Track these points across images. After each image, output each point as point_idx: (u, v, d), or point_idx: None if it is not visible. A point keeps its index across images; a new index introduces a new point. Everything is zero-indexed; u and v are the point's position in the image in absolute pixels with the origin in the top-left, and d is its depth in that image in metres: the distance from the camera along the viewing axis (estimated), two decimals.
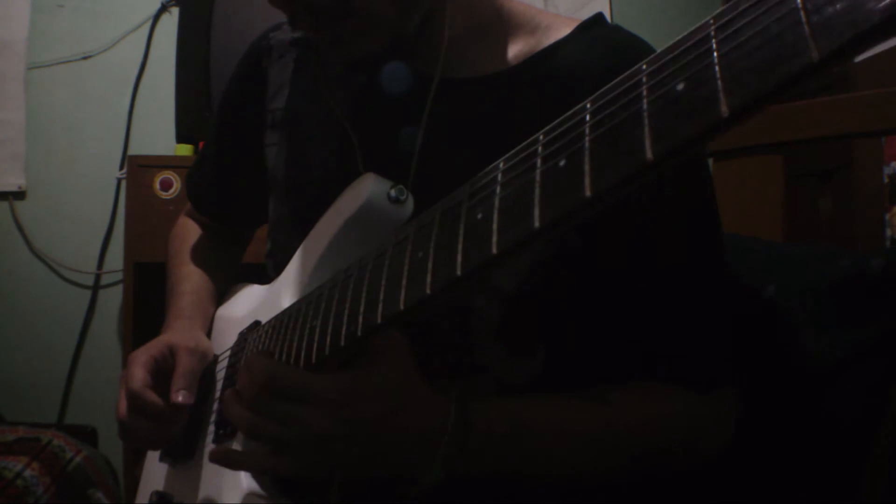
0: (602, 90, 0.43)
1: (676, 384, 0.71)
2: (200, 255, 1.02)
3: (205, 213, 1.05)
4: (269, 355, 0.67)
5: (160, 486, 0.89)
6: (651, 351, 0.71)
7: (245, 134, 0.92)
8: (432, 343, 0.73)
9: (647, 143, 0.37)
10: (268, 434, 0.62)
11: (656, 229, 0.71)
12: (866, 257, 0.78)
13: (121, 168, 2.26)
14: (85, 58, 2.29)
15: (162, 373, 0.82)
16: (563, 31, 0.78)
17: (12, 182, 2.24)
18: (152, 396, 0.79)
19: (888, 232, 1.73)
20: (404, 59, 0.77)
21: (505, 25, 0.79)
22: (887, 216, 1.73)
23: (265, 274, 0.91)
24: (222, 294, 0.99)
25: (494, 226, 0.46)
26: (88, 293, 2.28)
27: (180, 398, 0.79)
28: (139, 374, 0.80)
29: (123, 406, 0.80)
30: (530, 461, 0.68)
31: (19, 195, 2.25)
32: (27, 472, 1.58)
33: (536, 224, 0.43)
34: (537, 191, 0.44)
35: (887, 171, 1.74)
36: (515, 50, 0.78)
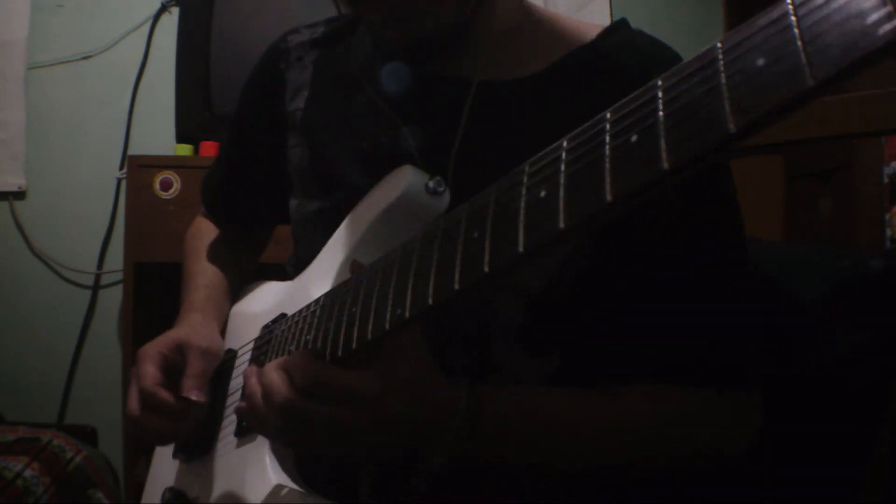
0: (673, 70, 0.44)
1: (695, 383, 0.71)
2: (216, 253, 1.02)
3: (221, 221, 1.06)
4: (316, 356, 0.66)
5: (172, 483, 0.88)
6: (670, 350, 0.71)
7: (264, 138, 0.92)
8: (449, 340, 0.73)
9: (728, 115, 0.38)
10: (297, 435, 0.64)
11: (679, 230, 0.72)
12: (866, 258, 0.78)
13: (121, 168, 2.26)
14: (85, 58, 2.29)
15: (173, 370, 0.82)
16: (588, 35, 0.80)
17: (12, 182, 2.24)
18: (165, 395, 0.79)
19: (888, 232, 1.73)
20: (445, 59, 0.79)
21: (531, 31, 0.81)
22: (887, 216, 1.73)
23: (283, 275, 0.91)
24: (237, 292, 0.99)
25: (561, 202, 0.46)
26: (88, 293, 2.27)
27: (193, 396, 0.79)
28: (150, 371, 0.80)
29: (134, 403, 0.80)
30: (538, 449, 0.69)
31: (19, 195, 2.25)
32: (27, 472, 1.58)
33: (608, 198, 0.43)
34: (608, 166, 0.44)
35: (887, 171, 1.74)
36: (542, 55, 0.79)
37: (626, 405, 0.70)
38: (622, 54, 0.76)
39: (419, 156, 0.75)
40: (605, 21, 1.66)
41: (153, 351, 0.82)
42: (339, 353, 0.63)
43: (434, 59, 0.79)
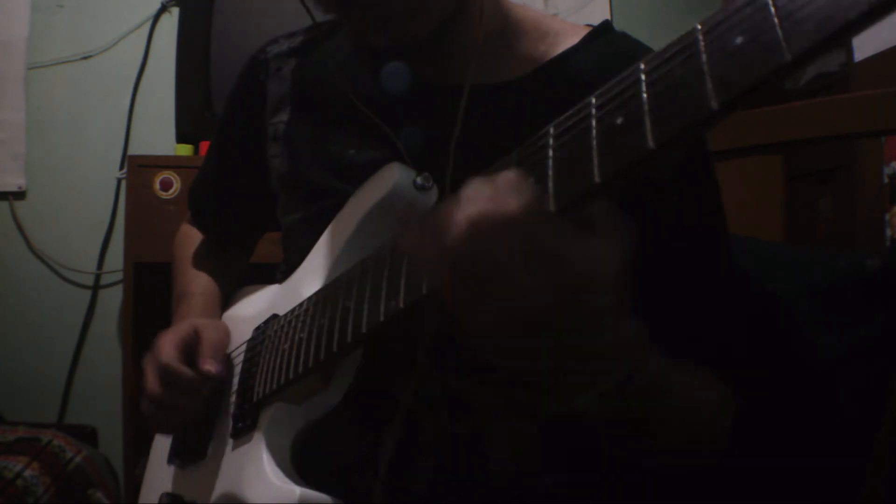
0: (655, 52, 0.45)
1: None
2: (205, 261, 1.03)
3: (208, 231, 1.06)
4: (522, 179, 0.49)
5: (168, 489, 0.88)
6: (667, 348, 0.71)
7: (247, 149, 0.93)
8: (447, 337, 0.72)
9: (711, 92, 0.40)
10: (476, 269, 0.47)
11: (664, 232, 0.71)
12: (863, 257, 0.78)
13: (121, 168, 2.26)
14: (85, 58, 2.29)
15: (189, 353, 0.83)
16: (572, 38, 0.79)
17: (12, 182, 2.24)
18: (183, 369, 0.80)
19: (888, 232, 1.73)
20: (431, 65, 0.78)
21: (513, 33, 0.81)
22: (887, 216, 1.73)
23: (271, 277, 0.91)
24: (227, 299, 0.99)
25: (550, 185, 0.47)
26: (88, 293, 2.28)
27: (208, 366, 0.81)
28: (169, 350, 0.81)
29: (155, 383, 0.81)
30: (658, 420, 0.64)
31: (19, 195, 2.25)
32: (27, 472, 1.58)
33: (597, 179, 0.44)
34: (595, 148, 0.45)
35: (887, 171, 1.74)
36: (525, 58, 0.79)
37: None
38: (602, 61, 0.76)
39: (413, 162, 0.75)
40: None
41: (170, 335, 0.83)
42: (334, 348, 0.64)
43: (421, 65, 0.79)
